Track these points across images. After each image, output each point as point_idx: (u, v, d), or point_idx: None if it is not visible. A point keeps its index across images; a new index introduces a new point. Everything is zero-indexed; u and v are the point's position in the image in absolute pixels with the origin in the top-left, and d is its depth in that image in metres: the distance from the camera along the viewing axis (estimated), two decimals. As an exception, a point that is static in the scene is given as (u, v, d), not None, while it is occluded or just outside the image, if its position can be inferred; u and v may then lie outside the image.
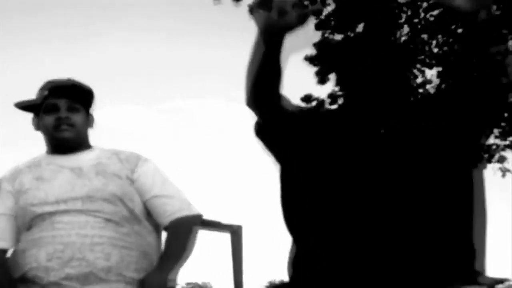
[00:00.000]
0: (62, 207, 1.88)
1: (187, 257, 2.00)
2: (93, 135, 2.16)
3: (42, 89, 2.04)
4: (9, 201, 1.98)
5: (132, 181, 1.98)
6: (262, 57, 1.50)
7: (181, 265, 1.97)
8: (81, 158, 2.01)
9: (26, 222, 1.92)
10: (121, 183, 1.95)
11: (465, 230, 1.48)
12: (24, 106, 2.06)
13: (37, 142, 2.10)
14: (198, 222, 2.05)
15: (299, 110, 1.60)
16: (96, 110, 2.17)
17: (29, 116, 2.10)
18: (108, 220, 1.89)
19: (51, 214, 1.87)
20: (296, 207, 1.53)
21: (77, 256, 1.80)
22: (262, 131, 1.59)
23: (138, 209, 1.97)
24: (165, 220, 1.98)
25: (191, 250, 2.02)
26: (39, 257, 1.82)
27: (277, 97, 1.54)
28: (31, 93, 2.07)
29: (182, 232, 1.98)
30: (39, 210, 1.89)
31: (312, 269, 1.47)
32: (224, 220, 10.42)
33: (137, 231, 1.95)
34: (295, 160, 1.54)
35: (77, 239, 1.82)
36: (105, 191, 1.91)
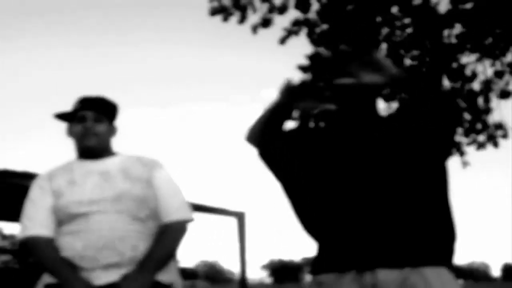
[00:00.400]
0: (95, 208, 2.02)
1: (170, 258, 2.08)
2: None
3: (75, 102, 2.19)
4: (48, 198, 2.10)
5: (150, 184, 2.13)
6: (277, 104, 1.69)
7: (162, 267, 2.04)
8: (108, 163, 2.16)
9: (61, 220, 2.07)
10: (144, 186, 2.10)
11: (443, 214, 1.54)
12: (60, 116, 2.20)
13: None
14: (186, 225, 2.14)
15: (288, 132, 1.75)
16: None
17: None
18: (134, 218, 2.04)
19: (85, 214, 2.02)
20: (303, 210, 1.65)
21: (109, 246, 1.96)
22: (263, 156, 1.73)
23: (156, 208, 2.12)
24: (161, 221, 2.12)
25: (175, 250, 2.10)
26: (75, 246, 1.98)
27: (277, 136, 1.71)
28: (62, 92, 2.46)
29: (167, 236, 2.08)
30: (74, 210, 2.03)
31: (323, 251, 1.60)
32: (230, 207, 11.22)
33: (156, 225, 2.11)
34: (292, 174, 1.66)
35: (109, 232, 1.98)
36: (131, 193, 2.06)
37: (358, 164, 1.54)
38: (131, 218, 2.03)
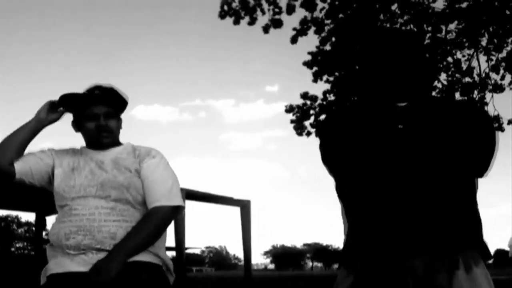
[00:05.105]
0: (82, 193, 2.09)
1: (151, 241, 2.06)
2: (129, 127, 2.38)
3: (87, 92, 2.18)
4: (46, 157, 2.19)
5: (138, 173, 2.15)
6: None
7: (138, 252, 2.02)
8: (107, 153, 2.20)
9: (59, 203, 2.15)
10: (130, 175, 2.13)
11: (470, 203, 1.58)
12: (66, 103, 2.16)
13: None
14: (173, 212, 2.14)
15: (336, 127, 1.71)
16: (133, 109, 2.40)
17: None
18: (116, 205, 2.07)
19: (74, 199, 2.09)
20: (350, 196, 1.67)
21: (88, 236, 2.02)
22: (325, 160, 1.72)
23: (141, 196, 2.13)
24: (148, 206, 2.12)
25: (158, 235, 2.09)
26: (60, 236, 2.07)
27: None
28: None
29: (146, 222, 2.07)
30: (67, 195, 2.11)
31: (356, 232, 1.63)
32: (236, 196, 11.13)
33: (140, 213, 2.12)
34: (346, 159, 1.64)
35: (87, 223, 2.04)
36: (115, 181, 2.10)
37: (398, 157, 1.55)
38: (112, 205, 2.07)
